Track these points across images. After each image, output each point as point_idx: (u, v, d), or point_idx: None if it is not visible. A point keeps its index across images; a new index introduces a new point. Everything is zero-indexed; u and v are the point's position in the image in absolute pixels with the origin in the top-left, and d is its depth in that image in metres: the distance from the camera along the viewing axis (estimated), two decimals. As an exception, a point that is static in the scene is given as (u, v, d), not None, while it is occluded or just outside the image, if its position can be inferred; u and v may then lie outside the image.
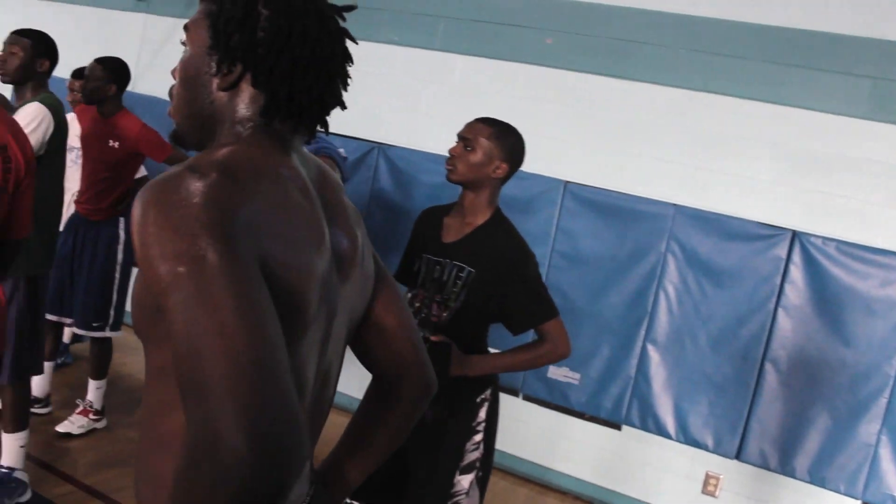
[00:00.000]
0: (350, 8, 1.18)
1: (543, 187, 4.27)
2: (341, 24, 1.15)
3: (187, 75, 1.11)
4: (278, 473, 0.79)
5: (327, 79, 1.11)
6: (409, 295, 2.43)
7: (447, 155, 2.31)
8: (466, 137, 2.30)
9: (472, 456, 2.37)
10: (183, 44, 1.14)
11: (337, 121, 1.21)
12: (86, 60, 4.75)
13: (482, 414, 2.38)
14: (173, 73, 1.15)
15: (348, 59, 1.16)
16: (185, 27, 1.14)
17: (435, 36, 4.62)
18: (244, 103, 1.09)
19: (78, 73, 4.40)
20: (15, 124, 2.22)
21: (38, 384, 3.98)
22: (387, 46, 4.72)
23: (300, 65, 1.07)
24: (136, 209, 0.91)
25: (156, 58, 5.47)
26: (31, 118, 2.96)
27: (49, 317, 3.65)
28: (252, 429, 0.78)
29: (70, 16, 5.88)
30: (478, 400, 2.37)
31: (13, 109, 3.05)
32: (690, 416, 4.03)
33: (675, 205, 4.05)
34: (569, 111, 4.31)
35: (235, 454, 0.76)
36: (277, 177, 1.04)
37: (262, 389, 0.80)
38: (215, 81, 1.09)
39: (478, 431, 2.37)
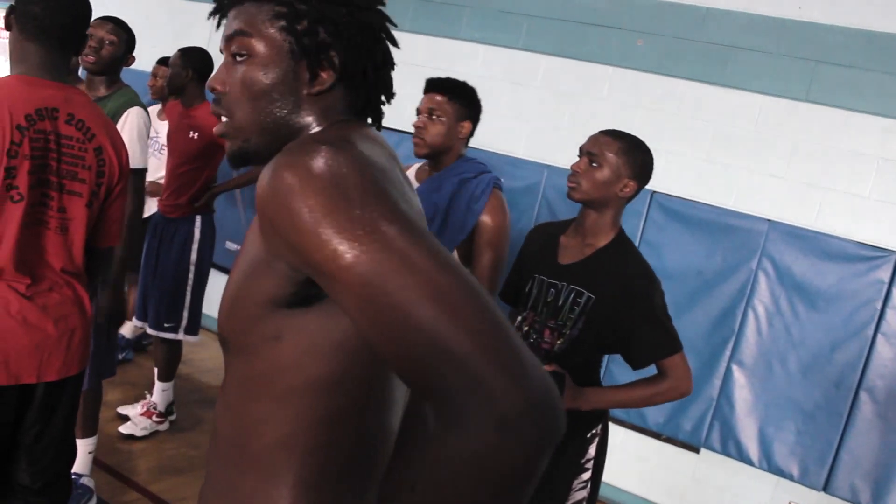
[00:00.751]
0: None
1: (628, 197, 4.06)
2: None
3: (262, 85, 1.01)
4: (558, 417, 0.75)
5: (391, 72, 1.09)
6: (519, 318, 2.26)
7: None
8: (592, 152, 2.11)
9: (579, 495, 2.20)
10: (235, 55, 1.02)
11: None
12: (156, 51, 4.67)
13: (592, 450, 2.21)
14: (214, 87, 1.02)
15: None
16: (241, 33, 1.00)
17: (519, 35, 4.42)
18: (328, 103, 1.03)
19: (164, 61, 4.35)
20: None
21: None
22: (468, 44, 4.55)
23: (385, 60, 1.06)
24: (277, 188, 0.82)
25: (225, 49, 5.37)
26: (134, 125, 2.89)
27: (136, 322, 3.55)
28: (523, 379, 0.73)
29: (140, 5, 5.79)
30: (588, 435, 2.20)
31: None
32: (775, 442, 3.81)
33: (769, 220, 3.83)
34: (657, 117, 4.08)
35: (516, 408, 0.71)
36: (382, 153, 0.98)
37: (510, 338, 0.75)
38: (303, 86, 1.02)
39: (586, 469, 2.20)
